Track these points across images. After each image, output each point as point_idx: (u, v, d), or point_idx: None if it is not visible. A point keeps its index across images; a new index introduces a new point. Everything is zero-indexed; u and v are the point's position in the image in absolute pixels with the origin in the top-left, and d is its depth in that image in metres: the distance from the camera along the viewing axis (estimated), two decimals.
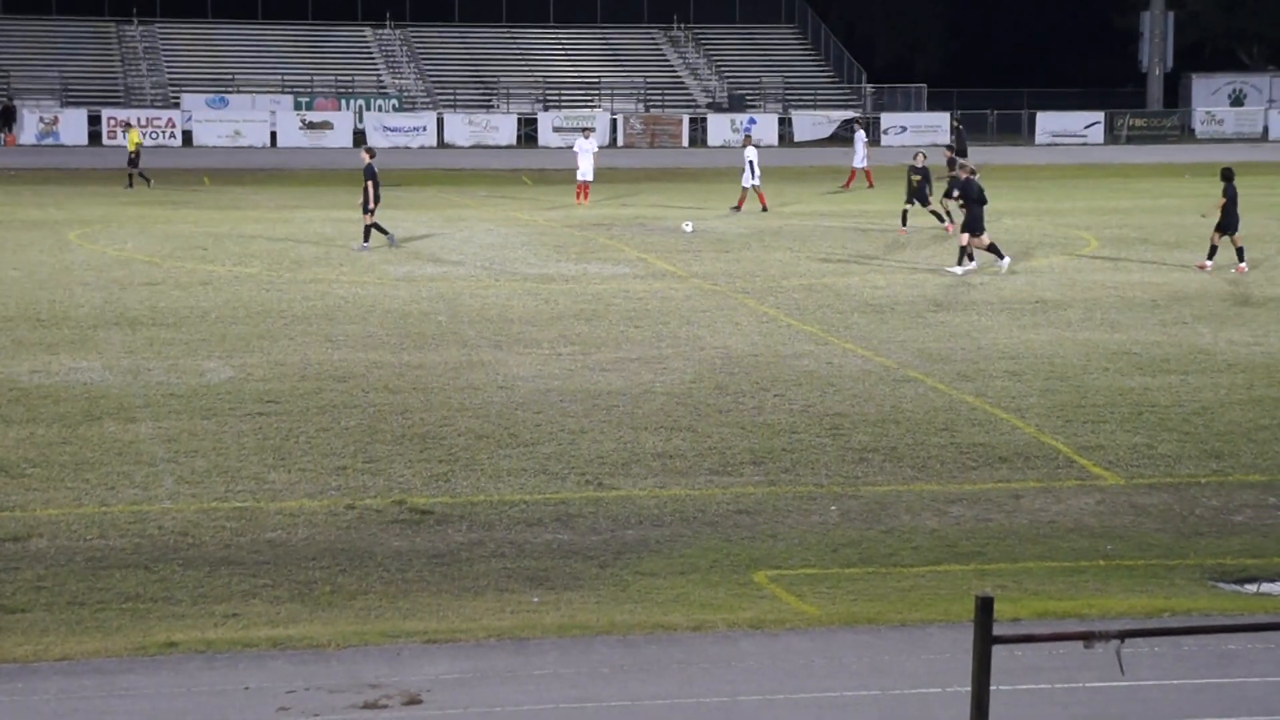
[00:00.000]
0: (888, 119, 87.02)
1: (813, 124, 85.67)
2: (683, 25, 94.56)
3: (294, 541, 17.61)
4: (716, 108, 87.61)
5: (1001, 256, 37.14)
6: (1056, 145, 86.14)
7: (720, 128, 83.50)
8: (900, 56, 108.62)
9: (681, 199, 54.37)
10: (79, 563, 16.82)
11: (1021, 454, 21.47)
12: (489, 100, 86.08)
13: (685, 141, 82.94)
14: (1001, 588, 16.14)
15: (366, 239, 40.09)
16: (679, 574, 16.76)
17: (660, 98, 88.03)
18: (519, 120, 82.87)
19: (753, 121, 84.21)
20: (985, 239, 37.12)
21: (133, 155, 57.04)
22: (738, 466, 20.73)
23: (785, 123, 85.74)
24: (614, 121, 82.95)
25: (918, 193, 45.21)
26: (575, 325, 30.09)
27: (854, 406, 23.91)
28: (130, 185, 56.20)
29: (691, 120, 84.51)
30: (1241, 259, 37.60)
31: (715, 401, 24.13)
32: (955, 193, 38.38)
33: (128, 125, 62.57)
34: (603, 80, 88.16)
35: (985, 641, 9.57)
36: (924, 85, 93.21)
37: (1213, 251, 37.76)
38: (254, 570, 16.68)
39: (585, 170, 53.00)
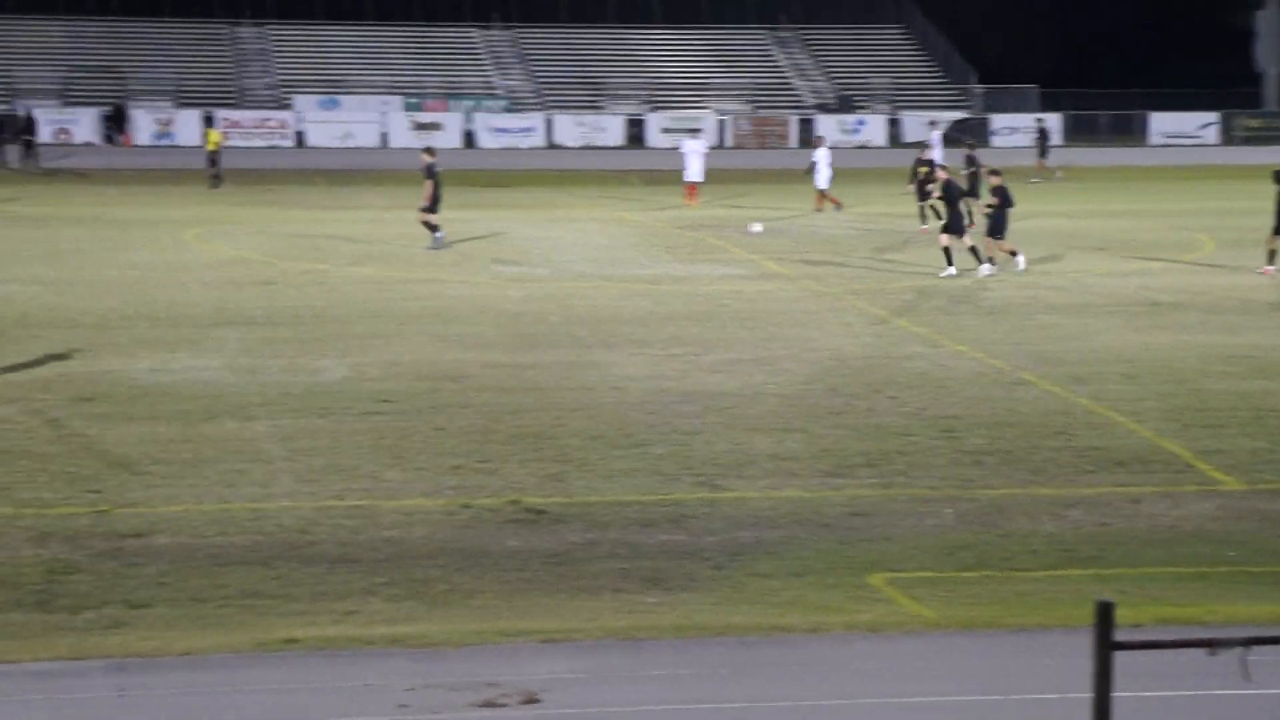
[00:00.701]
0: (998, 120, 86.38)
1: (922, 124, 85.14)
2: (790, 25, 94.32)
3: (410, 540, 17.74)
4: (824, 108, 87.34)
5: (950, 265, 36.42)
6: (1170, 146, 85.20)
7: (828, 128, 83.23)
8: (1011, 56, 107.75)
9: (790, 200, 54.20)
10: (200, 559, 17.03)
11: (1139, 458, 21.25)
12: (597, 101, 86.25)
13: (793, 142, 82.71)
14: (1122, 593, 15.95)
15: (436, 231, 40.34)
16: (794, 576, 16.73)
17: (768, 98, 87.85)
18: (627, 121, 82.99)
19: (861, 122, 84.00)
20: (966, 240, 36.45)
21: (213, 155, 57.48)
22: (851, 469, 20.66)
23: (894, 123, 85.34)
24: (722, 122, 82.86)
25: (920, 186, 45.24)
26: (686, 326, 30.11)
27: (968, 409, 23.77)
28: (218, 185, 56.58)
29: (800, 121, 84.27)
30: (1271, 261, 36.93)
31: (828, 403, 24.08)
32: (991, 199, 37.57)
33: (209, 125, 63.06)
34: (710, 81, 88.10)
35: (1106, 647, 9.49)
36: (1034, 85, 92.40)
37: (1272, 256, 37.00)
38: (371, 568, 16.80)
39: (694, 171, 53.04)
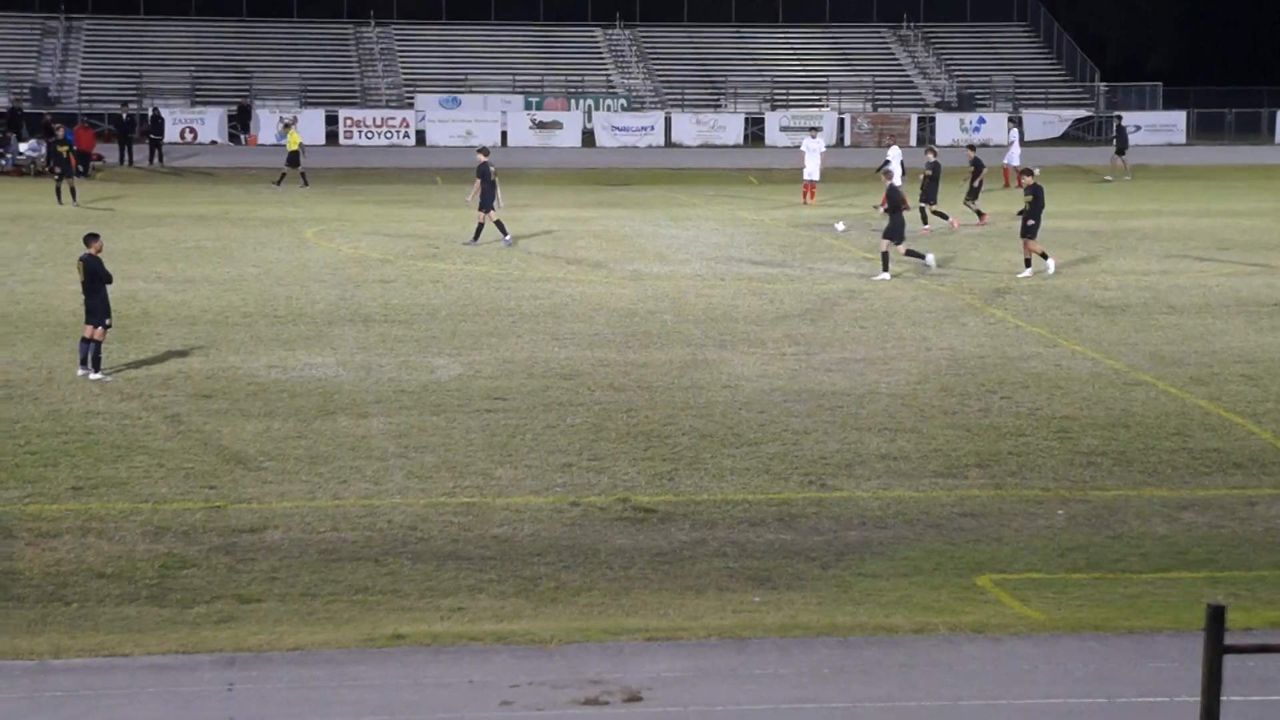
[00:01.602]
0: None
1: (1043, 123, 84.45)
2: (912, 24, 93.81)
3: (519, 537, 17.84)
4: (945, 107, 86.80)
5: (923, 256, 36.37)
6: None
7: (949, 127, 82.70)
8: (1134, 54, 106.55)
9: (908, 199, 53.91)
10: (312, 554, 17.22)
11: (1257, 460, 20.97)
12: (717, 100, 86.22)
13: (913, 141, 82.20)
14: (1234, 596, 15.80)
15: (476, 237, 40.85)
16: (901, 576, 16.67)
17: (888, 97, 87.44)
18: (746, 120, 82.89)
19: (982, 121, 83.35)
20: (901, 249, 35.84)
21: (294, 154, 57.98)
22: (963, 469, 20.54)
23: (1016, 121, 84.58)
24: (841, 121, 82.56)
25: (926, 190, 44.44)
26: (800, 325, 30.04)
27: (1083, 409, 23.55)
28: (279, 184, 57.03)
29: (920, 119, 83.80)
30: None
31: (940, 403, 23.94)
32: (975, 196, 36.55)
33: (287, 125, 63.44)
34: (830, 80, 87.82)
35: (1216, 651, 9.38)
36: (1159, 83, 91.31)
37: None
38: (480, 565, 16.92)
39: (812, 170, 52.89)
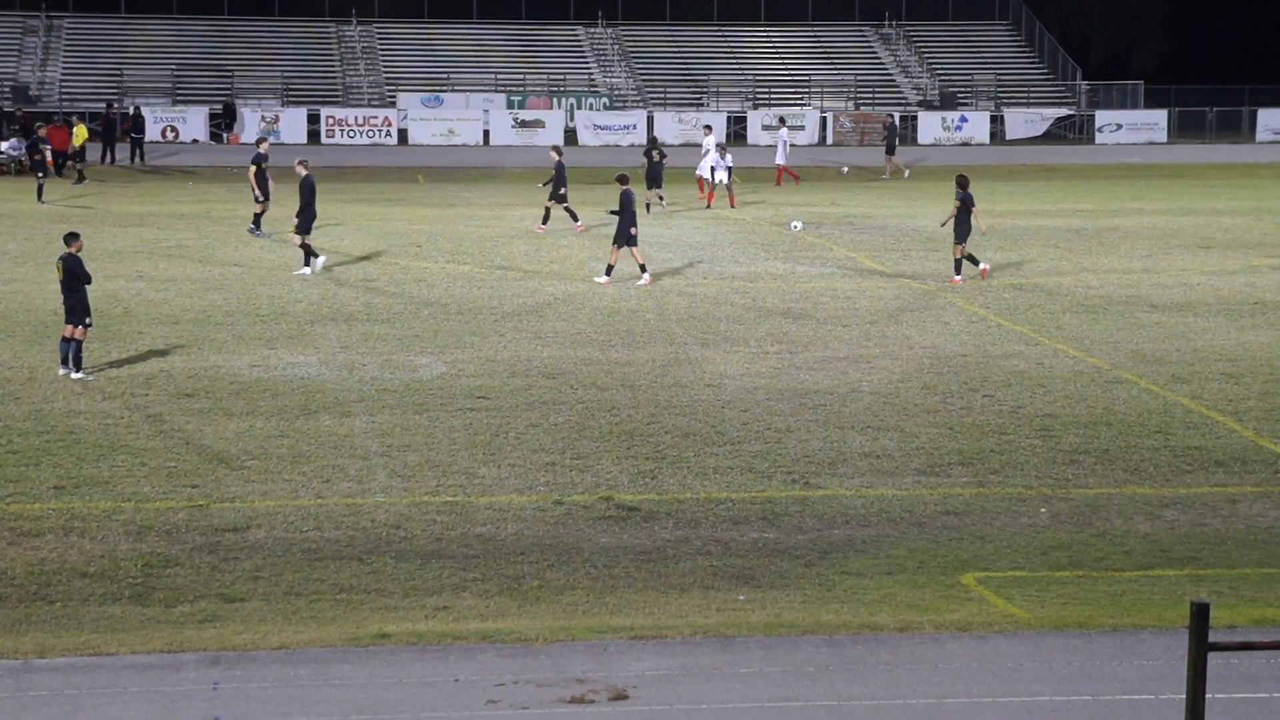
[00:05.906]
0: (1103, 116, 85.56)
1: (1025, 122, 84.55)
2: (894, 22, 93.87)
3: (503, 536, 17.83)
4: (927, 105, 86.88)
5: (316, 256, 35.81)
6: (1278, 143, 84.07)
7: (931, 125, 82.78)
8: (1116, 53, 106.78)
9: (890, 198, 54.04)
10: (295, 553, 17.20)
11: (1239, 458, 21.02)
12: (699, 98, 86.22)
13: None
14: (1217, 594, 15.84)
15: (256, 224, 42.27)
16: (885, 574, 16.69)
17: (870, 95, 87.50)
18: (729, 118, 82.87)
19: (964, 120, 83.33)
20: (304, 239, 35.66)
21: (78, 150, 58.05)
22: (946, 467, 20.57)
23: (997, 120, 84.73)
24: (824, 119, 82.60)
25: (554, 189, 43.76)
26: (782, 324, 30.05)
27: (1065, 408, 23.60)
28: (81, 180, 56.98)
29: (902, 118, 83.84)
30: (958, 271, 34.95)
31: (923, 401, 23.97)
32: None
33: (79, 120, 63.11)
34: (813, 78, 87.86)
35: (1201, 648, 9.42)
36: (1140, 82, 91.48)
37: (974, 260, 35.29)
38: (464, 564, 16.92)
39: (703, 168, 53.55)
